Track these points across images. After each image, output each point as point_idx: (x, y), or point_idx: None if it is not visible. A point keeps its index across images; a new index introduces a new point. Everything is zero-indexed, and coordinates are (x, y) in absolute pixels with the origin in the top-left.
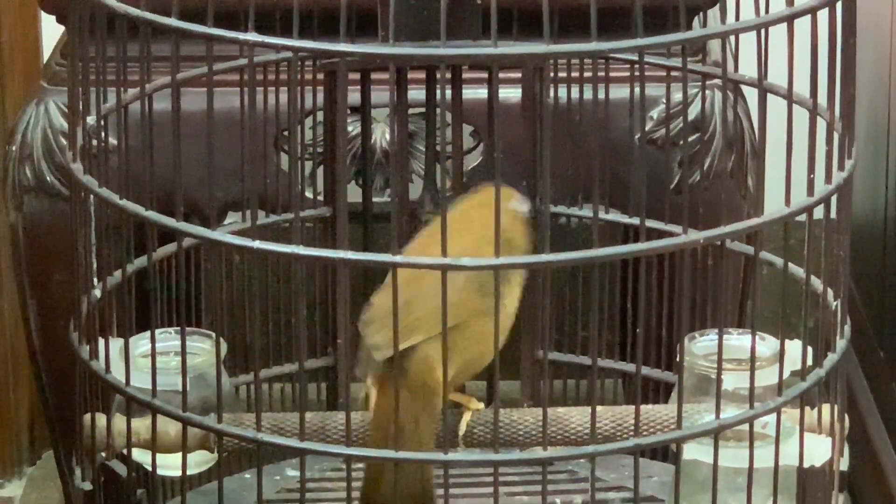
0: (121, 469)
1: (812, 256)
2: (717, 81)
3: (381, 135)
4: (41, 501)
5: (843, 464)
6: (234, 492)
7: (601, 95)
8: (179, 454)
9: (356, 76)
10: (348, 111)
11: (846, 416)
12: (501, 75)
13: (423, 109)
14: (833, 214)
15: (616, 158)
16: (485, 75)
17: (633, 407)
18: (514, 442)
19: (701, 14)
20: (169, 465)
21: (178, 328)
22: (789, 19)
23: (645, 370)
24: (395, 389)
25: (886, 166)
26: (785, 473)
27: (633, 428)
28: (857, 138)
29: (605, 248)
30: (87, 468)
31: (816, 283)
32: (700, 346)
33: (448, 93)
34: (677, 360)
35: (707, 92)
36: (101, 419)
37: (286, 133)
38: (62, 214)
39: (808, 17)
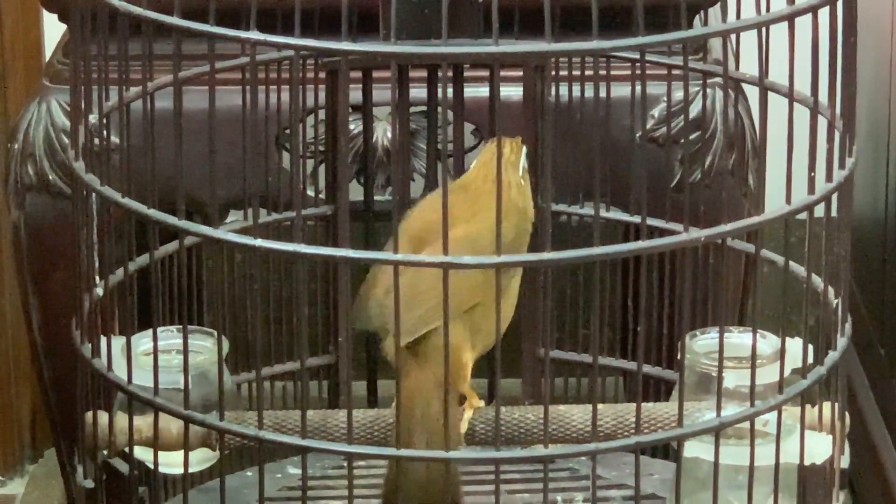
0: (123, 467)
1: (813, 254)
2: (718, 80)
3: (383, 133)
4: (43, 499)
5: (844, 461)
6: (236, 490)
7: (602, 94)
8: (181, 452)
9: (358, 75)
10: (350, 109)
11: (847, 414)
12: (503, 74)
13: (424, 108)
14: (834, 212)
15: (617, 157)
16: (486, 74)
17: (634, 405)
18: (516, 440)
19: (702, 12)
20: (171, 463)
21: (180, 326)
22: (790, 18)
23: (646, 368)
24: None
25: (887, 164)
26: (786, 471)
27: (634, 426)
28: (858, 136)
29: (606, 246)
30: (88, 466)
31: (817, 281)
32: (701, 344)
33: (449, 91)
34: (678, 358)
35: (708, 90)
36: (102, 417)
37: (288, 131)
38: (64, 213)
39: (809, 15)
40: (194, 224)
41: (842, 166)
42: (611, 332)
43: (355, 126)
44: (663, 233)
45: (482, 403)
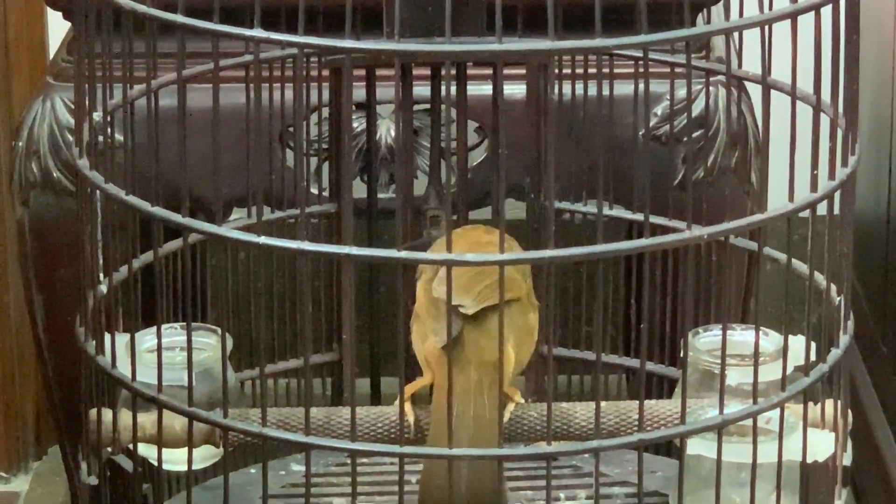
0: (126, 464)
1: (815, 252)
2: (721, 78)
3: (386, 131)
4: (47, 496)
5: (847, 459)
6: (240, 487)
7: (605, 92)
8: (185, 449)
9: (361, 72)
10: (353, 107)
11: (849, 411)
12: (506, 72)
13: (427, 106)
14: (836, 210)
15: (620, 154)
16: (489, 72)
17: (637, 402)
18: (519, 437)
19: (705, 11)
20: (174, 460)
21: (184, 323)
22: (793, 16)
23: (649, 366)
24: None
25: (890, 162)
26: (788, 468)
27: (636, 423)
28: (861, 134)
29: (610, 243)
30: (92, 463)
31: (820, 278)
32: (704, 342)
33: (453, 89)
34: (681, 355)
35: (711, 88)
36: (106, 414)
37: (291, 129)
38: (68, 210)
39: (812, 13)
40: (198, 221)
41: (844, 164)
42: (614, 329)
43: (359, 124)
44: (666, 230)
45: (522, 400)
